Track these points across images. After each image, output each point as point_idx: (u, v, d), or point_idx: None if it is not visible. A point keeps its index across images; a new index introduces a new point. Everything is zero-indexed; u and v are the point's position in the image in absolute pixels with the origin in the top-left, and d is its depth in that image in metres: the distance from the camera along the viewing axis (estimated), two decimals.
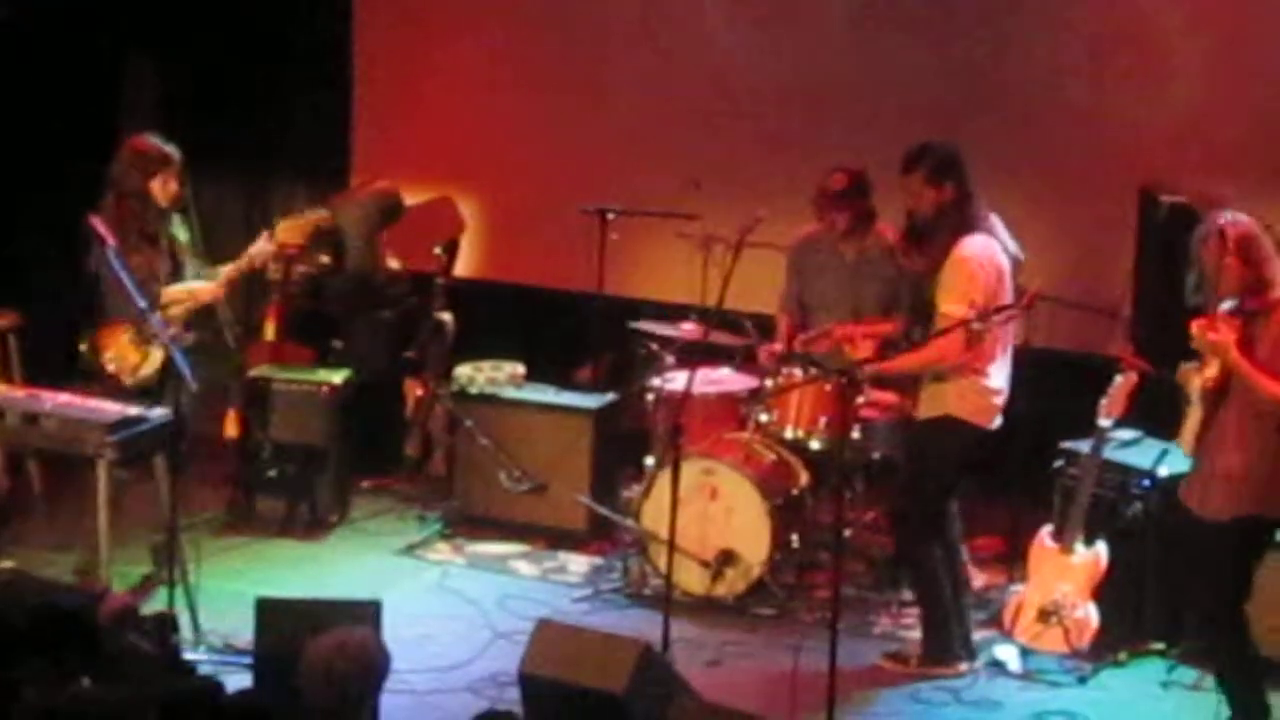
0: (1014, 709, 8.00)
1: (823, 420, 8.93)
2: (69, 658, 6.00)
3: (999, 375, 8.15)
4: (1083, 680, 8.21)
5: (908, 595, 8.78)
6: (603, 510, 9.44)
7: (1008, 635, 8.36)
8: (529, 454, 9.64)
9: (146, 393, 8.70)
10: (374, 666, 5.85)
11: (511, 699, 7.34)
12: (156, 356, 8.72)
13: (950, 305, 7.92)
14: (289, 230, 9.05)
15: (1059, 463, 8.60)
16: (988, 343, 8.05)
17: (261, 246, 9.01)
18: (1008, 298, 8.03)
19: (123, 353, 8.79)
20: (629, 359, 10.00)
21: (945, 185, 8.02)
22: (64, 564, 8.69)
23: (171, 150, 8.84)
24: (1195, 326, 7.12)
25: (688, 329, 9.42)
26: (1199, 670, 8.07)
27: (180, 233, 8.95)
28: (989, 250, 8.02)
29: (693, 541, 8.76)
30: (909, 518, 8.31)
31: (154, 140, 8.90)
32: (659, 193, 9.96)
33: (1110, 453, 8.37)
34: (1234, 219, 7.16)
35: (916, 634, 8.47)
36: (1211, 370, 7.14)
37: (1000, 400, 8.17)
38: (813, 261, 9.22)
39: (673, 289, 10.15)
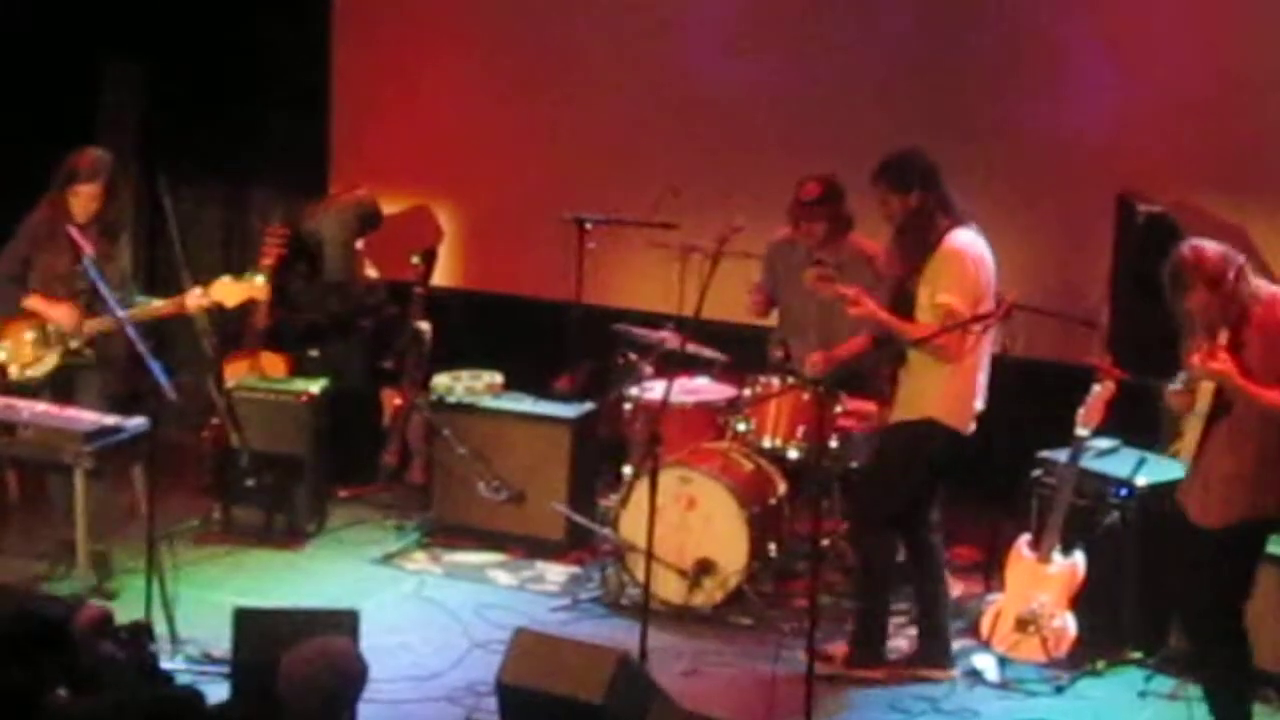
0: (992, 718, 8.00)
1: (800, 430, 8.95)
2: (46, 667, 5.97)
3: (981, 380, 8.18)
4: (1060, 689, 8.21)
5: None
6: (580, 520, 9.43)
7: (985, 644, 8.37)
8: (507, 463, 9.63)
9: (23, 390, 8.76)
10: (352, 676, 5.84)
11: (489, 709, 7.34)
12: (51, 361, 8.77)
13: (946, 297, 7.95)
14: (224, 290, 8.95)
15: (1036, 472, 8.61)
16: (972, 346, 8.07)
17: (196, 300, 8.91)
18: (992, 295, 8.06)
19: (18, 348, 8.81)
20: (607, 368, 10.00)
21: (911, 192, 8.06)
22: (40, 572, 8.70)
23: (100, 169, 8.76)
24: (1196, 359, 7.09)
25: (665, 337, 9.41)
26: (1177, 679, 8.09)
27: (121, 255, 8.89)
28: (978, 245, 8.07)
29: (670, 551, 8.76)
30: (871, 514, 8.27)
31: (91, 154, 8.84)
32: (637, 202, 9.95)
33: (1088, 462, 8.39)
34: (1196, 252, 7.13)
35: (895, 642, 8.48)
36: (1211, 383, 7.15)
37: (979, 405, 8.20)
38: (789, 265, 9.22)
39: (651, 298, 10.16)
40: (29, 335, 8.76)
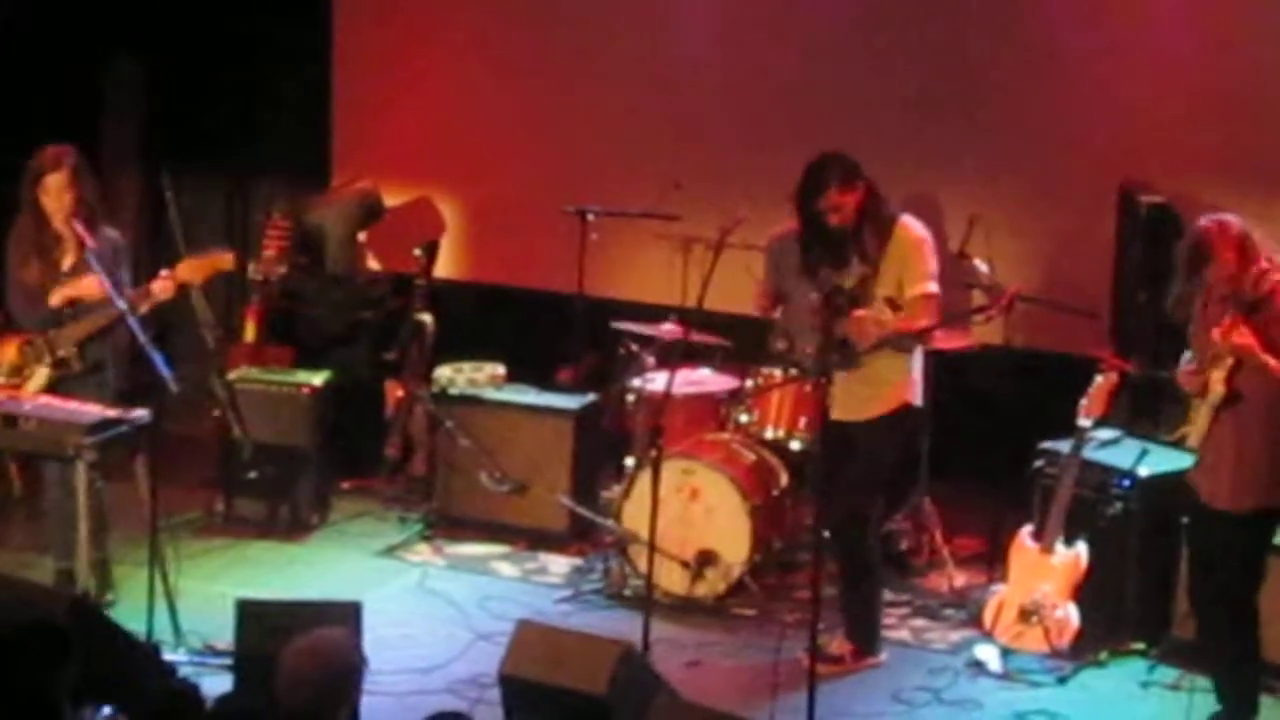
0: (994, 708, 8.00)
1: (803, 420, 8.95)
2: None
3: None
4: (1063, 680, 8.22)
5: (889, 595, 8.80)
6: (583, 511, 9.43)
7: (988, 635, 8.37)
8: (509, 455, 9.63)
9: None
10: (348, 670, 5.79)
11: (492, 700, 7.34)
12: (41, 375, 8.57)
13: (932, 285, 7.99)
14: (190, 269, 8.69)
15: (1039, 463, 8.60)
16: None
17: (163, 285, 8.56)
18: None
19: (6, 365, 8.64)
20: (609, 360, 9.99)
21: (857, 185, 8.02)
22: (44, 566, 8.70)
23: (61, 158, 8.46)
24: (1218, 332, 7.10)
25: (668, 329, 9.40)
26: (1179, 670, 8.09)
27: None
28: (923, 225, 8.12)
29: (673, 542, 8.76)
30: (866, 512, 8.22)
31: (48, 149, 8.53)
32: (639, 193, 9.95)
33: (1090, 453, 8.38)
34: (1219, 222, 7.14)
35: (898, 634, 8.48)
36: (1221, 372, 7.15)
37: None
38: (792, 256, 9.19)
39: (653, 290, 10.15)
40: (14, 351, 8.64)
